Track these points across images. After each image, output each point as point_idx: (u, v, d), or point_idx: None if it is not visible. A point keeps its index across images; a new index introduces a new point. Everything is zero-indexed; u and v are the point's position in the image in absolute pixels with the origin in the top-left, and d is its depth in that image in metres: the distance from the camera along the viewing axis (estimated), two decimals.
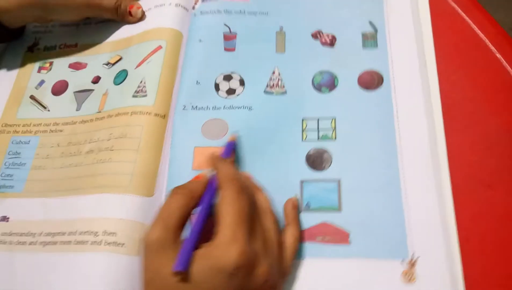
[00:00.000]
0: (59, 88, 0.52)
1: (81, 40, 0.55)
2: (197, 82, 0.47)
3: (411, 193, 0.40)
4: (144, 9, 0.53)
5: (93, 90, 0.50)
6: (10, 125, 0.50)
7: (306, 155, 0.43)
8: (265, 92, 0.46)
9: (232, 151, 0.42)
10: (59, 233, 0.42)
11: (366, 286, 0.37)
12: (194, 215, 0.35)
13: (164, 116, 0.46)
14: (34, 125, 0.50)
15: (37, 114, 0.51)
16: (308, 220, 0.40)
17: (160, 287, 0.32)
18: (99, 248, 0.39)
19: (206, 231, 0.34)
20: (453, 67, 0.45)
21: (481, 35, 0.47)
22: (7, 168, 0.48)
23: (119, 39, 0.53)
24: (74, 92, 0.51)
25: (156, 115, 0.46)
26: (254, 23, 0.50)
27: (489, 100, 0.44)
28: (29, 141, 0.49)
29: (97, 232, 0.40)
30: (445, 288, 0.36)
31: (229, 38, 0.49)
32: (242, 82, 0.47)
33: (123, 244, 0.39)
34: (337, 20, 0.49)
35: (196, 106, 0.46)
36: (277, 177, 0.42)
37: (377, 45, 0.47)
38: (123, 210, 0.41)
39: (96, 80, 0.51)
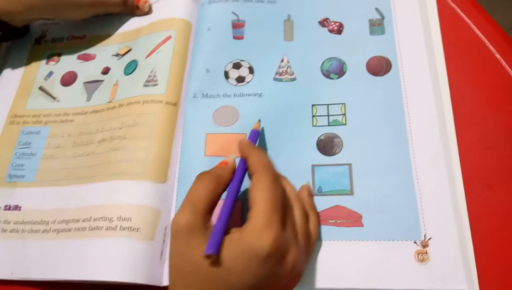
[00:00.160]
0: (68, 79, 0.52)
1: (89, 32, 0.55)
2: (207, 70, 0.48)
3: (422, 175, 0.40)
4: (152, 0, 0.54)
5: (103, 80, 0.51)
6: (20, 116, 0.51)
7: (317, 141, 0.43)
8: (275, 79, 0.47)
9: (256, 139, 0.42)
10: (73, 220, 0.42)
11: (381, 267, 0.38)
12: (222, 200, 0.35)
13: (176, 104, 0.46)
14: (44, 116, 0.50)
15: (47, 105, 0.51)
16: (321, 203, 0.41)
17: (190, 272, 0.32)
18: (114, 233, 0.40)
19: (233, 217, 0.34)
20: (452, 67, 0.45)
21: (481, 35, 0.47)
22: (18, 158, 0.48)
23: (128, 31, 0.54)
24: (84, 82, 0.51)
25: (167, 103, 0.46)
26: (262, 11, 0.51)
27: (489, 100, 0.45)
28: (39, 131, 0.49)
29: (112, 218, 0.40)
30: (458, 267, 0.37)
31: (238, 26, 0.50)
32: (251, 70, 0.48)
33: (138, 229, 0.40)
34: (344, 7, 0.50)
35: (207, 94, 0.47)
36: (289, 163, 0.43)
37: (384, 32, 0.48)
38: (137, 196, 0.41)
39: (105, 71, 0.51)
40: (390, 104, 0.44)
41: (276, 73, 0.47)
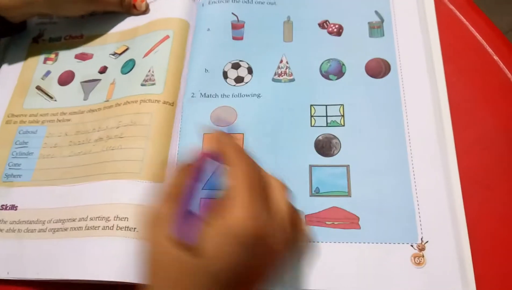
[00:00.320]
0: (66, 79, 0.52)
1: (87, 31, 0.55)
2: (206, 70, 0.48)
3: (420, 178, 0.40)
4: (149, 0, 0.54)
5: (100, 80, 0.50)
6: (17, 116, 0.50)
7: (315, 141, 0.43)
8: (273, 80, 0.47)
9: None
10: (69, 219, 0.42)
11: (377, 270, 0.38)
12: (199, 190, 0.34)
13: (173, 104, 0.46)
14: (41, 115, 0.50)
15: (44, 104, 0.51)
16: (318, 204, 0.41)
17: (170, 265, 0.30)
18: (111, 233, 0.39)
19: (212, 208, 0.33)
20: (451, 69, 0.46)
21: (479, 37, 0.48)
22: (15, 157, 0.48)
23: (125, 30, 0.54)
24: (81, 82, 0.51)
25: (165, 102, 0.46)
26: (262, 12, 0.51)
27: (486, 101, 0.45)
28: (36, 131, 0.49)
29: (108, 217, 0.40)
30: (454, 272, 0.37)
31: (237, 27, 0.50)
32: (250, 70, 0.48)
33: (135, 228, 0.39)
34: (343, 9, 0.50)
35: (205, 94, 0.46)
36: (286, 162, 0.43)
37: (383, 34, 0.48)
38: (134, 196, 0.41)
39: (103, 70, 0.51)
40: (388, 107, 0.44)
41: (275, 74, 0.47)
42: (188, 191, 0.33)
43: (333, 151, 0.43)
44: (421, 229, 0.39)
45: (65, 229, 0.42)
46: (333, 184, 0.41)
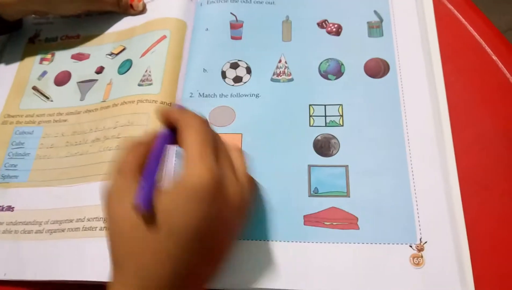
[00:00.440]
0: (62, 79, 0.52)
1: (83, 31, 0.55)
2: (204, 70, 0.47)
3: (418, 178, 0.40)
4: (146, 0, 0.53)
5: (96, 80, 0.50)
6: (13, 116, 0.50)
7: (314, 141, 0.43)
8: (272, 79, 0.47)
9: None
10: (66, 220, 0.42)
11: (376, 271, 0.37)
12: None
13: (170, 104, 0.46)
14: (37, 116, 0.49)
15: (40, 105, 0.50)
16: (316, 204, 0.40)
17: (130, 234, 0.31)
18: None
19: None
20: (449, 69, 0.45)
21: (477, 37, 0.47)
22: (11, 158, 0.47)
23: (122, 30, 0.53)
24: (78, 82, 0.51)
25: (162, 103, 0.46)
26: (261, 12, 0.50)
27: (485, 101, 0.45)
28: (32, 131, 0.48)
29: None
30: (453, 272, 0.37)
31: (236, 27, 0.49)
32: (248, 70, 0.47)
33: None
34: (342, 9, 0.50)
35: (203, 94, 0.46)
36: (285, 162, 0.42)
37: (382, 34, 0.48)
38: None
39: (99, 70, 0.51)
40: (387, 107, 0.44)
41: (274, 74, 0.47)
42: (139, 161, 0.33)
43: (332, 151, 0.43)
44: (420, 229, 0.38)
45: (62, 230, 0.41)
46: (332, 184, 0.41)
